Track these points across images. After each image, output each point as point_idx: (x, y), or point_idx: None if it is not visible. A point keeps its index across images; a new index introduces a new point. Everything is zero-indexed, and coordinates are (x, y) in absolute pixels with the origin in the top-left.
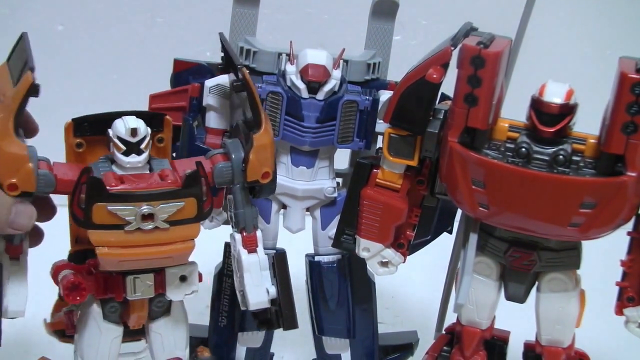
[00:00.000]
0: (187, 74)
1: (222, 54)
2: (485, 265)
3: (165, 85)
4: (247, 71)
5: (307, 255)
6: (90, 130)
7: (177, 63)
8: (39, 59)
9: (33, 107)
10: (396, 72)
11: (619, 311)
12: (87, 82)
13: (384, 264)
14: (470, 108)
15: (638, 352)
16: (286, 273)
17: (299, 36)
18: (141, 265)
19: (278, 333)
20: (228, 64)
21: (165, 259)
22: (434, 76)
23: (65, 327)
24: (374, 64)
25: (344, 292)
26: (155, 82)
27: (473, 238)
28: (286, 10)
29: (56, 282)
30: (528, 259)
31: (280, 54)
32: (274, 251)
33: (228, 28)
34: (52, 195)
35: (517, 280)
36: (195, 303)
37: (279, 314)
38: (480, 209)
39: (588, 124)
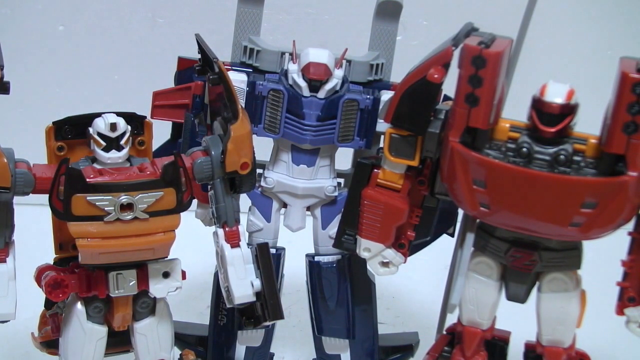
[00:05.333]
0: (191, 71)
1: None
2: (486, 265)
3: (165, 86)
4: (222, 63)
5: (307, 255)
6: (71, 133)
7: (181, 61)
8: (40, 59)
9: (34, 108)
10: (397, 72)
11: (620, 311)
12: (88, 82)
13: (385, 264)
14: (471, 108)
15: (638, 352)
16: (269, 263)
17: (300, 37)
18: (122, 258)
19: (278, 333)
20: (204, 62)
21: (146, 250)
22: (435, 76)
23: (51, 333)
24: (377, 65)
25: (343, 293)
26: (156, 83)
27: (469, 238)
28: (287, 11)
29: (40, 284)
30: (529, 259)
31: (283, 53)
32: (272, 250)
33: (228, 29)
34: (33, 195)
35: (518, 281)
36: (196, 303)
37: (264, 308)
38: (481, 208)
39: (589, 124)
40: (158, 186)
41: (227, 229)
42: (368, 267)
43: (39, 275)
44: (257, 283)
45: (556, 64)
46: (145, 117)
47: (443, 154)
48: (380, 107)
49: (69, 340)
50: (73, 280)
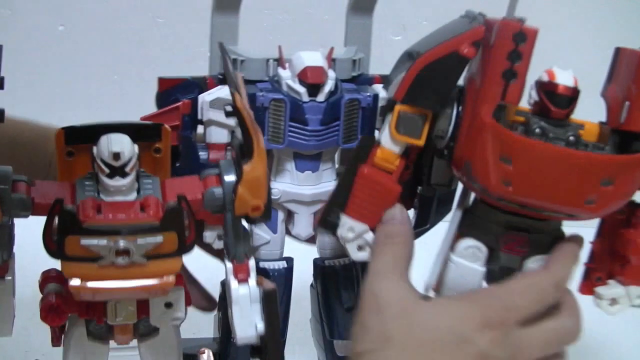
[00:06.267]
0: (175, 91)
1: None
2: (476, 249)
3: None
4: (239, 97)
5: (315, 259)
6: (80, 139)
7: (162, 81)
8: (39, 59)
9: (33, 106)
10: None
11: (587, 290)
12: (88, 82)
13: (361, 247)
14: (508, 83)
15: (631, 339)
16: (275, 312)
17: (300, 37)
18: (119, 297)
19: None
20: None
21: (143, 292)
22: (466, 51)
23: (51, 343)
24: (358, 59)
25: (353, 295)
26: (155, 84)
27: (456, 216)
28: (287, 11)
29: (42, 292)
30: (522, 242)
31: (268, 60)
32: (284, 262)
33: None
34: None
35: (507, 265)
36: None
37: (264, 355)
38: (504, 186)
39: (579, 114)
40: (158, 230)
41: (235, 263)
42: (346, 249)
43: (42, 283)
44: (261, 327)
45: (556, 63)
46: (162, 124)
47: (465, 131)
48: (389, 87)
49: (70, 356)
50: (72, 302)
